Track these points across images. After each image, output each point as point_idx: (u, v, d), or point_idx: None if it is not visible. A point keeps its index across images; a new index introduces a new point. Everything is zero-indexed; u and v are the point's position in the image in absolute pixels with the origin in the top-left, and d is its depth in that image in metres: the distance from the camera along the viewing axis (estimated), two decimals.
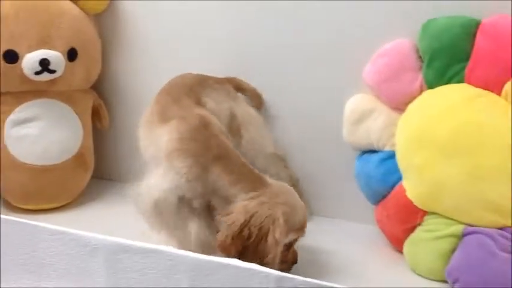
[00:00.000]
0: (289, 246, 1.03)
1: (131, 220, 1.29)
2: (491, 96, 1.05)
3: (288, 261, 1.04)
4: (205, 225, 1.07)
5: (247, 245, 0.96)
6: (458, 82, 1.09)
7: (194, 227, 1.06)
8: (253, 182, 1.01)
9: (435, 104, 1.09)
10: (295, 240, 1.03)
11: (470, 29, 1.07)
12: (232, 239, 0.96)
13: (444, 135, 1.05)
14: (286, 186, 1.05)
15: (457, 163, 1.04)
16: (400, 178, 1.13)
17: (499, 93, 1.05)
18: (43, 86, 1.31)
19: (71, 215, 1.35)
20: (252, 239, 0.95)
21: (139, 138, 1.15)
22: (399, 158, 1.13)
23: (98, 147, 1.47)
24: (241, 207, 0.97)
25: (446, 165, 1.05)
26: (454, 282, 1.04)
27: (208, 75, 1.23)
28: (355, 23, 1.21)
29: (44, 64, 1.27)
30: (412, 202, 1.10)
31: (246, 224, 0.95)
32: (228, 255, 0.95)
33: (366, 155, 1.20)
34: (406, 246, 1.12)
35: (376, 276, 1.09)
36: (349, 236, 1.24)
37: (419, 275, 1.10)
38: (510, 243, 1.02)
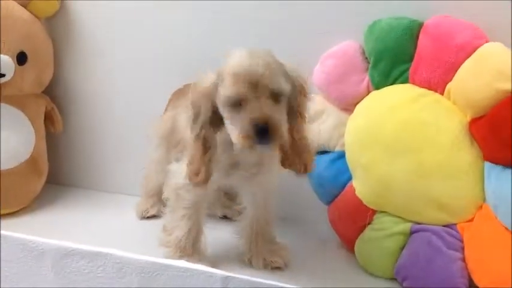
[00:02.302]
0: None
1: (87, 225, 1.29)
2: (434, 95, 1.07)
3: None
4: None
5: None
6: (403, 83, 1.11)
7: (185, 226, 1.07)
8: None
9: (380, 104, 1.11)
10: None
11: (413, 30, 1.09)
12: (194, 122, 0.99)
13: (388, 134, 1.07)
14: None
15: (401, 161, 1.05)
16: (350, 178, 1.15)
17: (442, 93, 1.07)
18: None
19: (25, 221, 1.33)
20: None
21: None
22: (348, 158, 1.14)
23: (52, 152, 1.45)
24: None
25: (392, 164, 1.06)
26: (403, 280, 1.06)
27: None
28: (304, 24, 1.22)
29: None
30: (361, 201, 1.11)
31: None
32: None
33: (317, 156, 1.21)
34: (357, 245, 1.13)
35: (328, 275, 1.09)
36: (302, 236, 1.25)
37: (371, 273, 1.11)
38: (456, 241, 1.03)
